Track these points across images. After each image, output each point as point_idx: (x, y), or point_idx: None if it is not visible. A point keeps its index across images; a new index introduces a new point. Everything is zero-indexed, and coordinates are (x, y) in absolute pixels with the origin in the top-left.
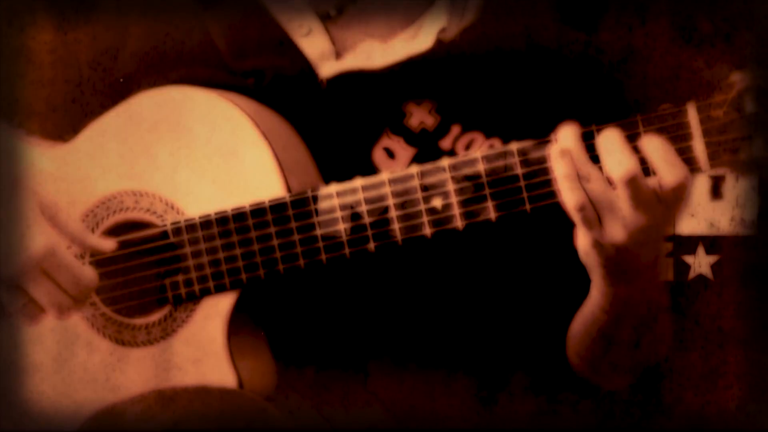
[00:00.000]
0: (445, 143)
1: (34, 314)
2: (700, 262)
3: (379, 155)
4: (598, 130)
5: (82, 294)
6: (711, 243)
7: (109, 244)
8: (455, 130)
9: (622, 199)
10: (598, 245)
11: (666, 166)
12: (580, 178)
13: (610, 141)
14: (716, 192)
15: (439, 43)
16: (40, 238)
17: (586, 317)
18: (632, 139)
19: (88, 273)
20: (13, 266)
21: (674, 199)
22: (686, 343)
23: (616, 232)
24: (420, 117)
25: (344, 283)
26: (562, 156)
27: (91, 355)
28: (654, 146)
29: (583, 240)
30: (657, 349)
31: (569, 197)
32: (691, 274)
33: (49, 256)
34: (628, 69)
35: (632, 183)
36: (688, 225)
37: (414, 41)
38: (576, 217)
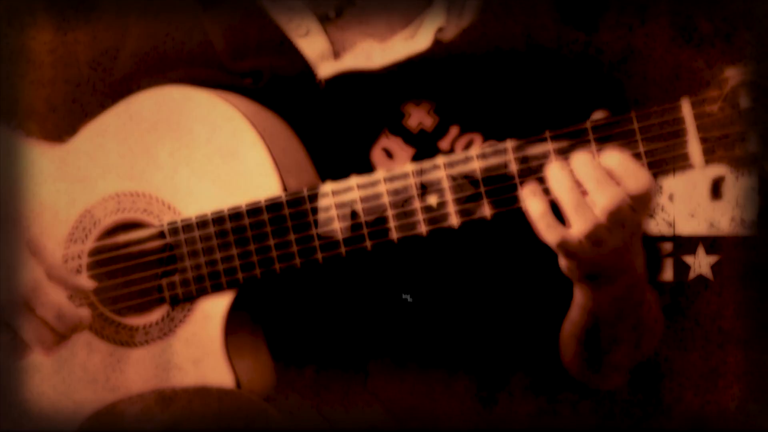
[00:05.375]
0: (444, 144)
1: (19, 349)
2: (700, 263)
3: (377, 155)
4: (593, 128)
5: (70, 330)
6: (711, 243)
7: (89, 283)
8: (454, 130)
9: (605, 228)
10: (579, 262)
11: (630, 177)
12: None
13: (583, 164)
14: (716, 192)
15: (437, 43)
16: (25, 275)
17: (572, 321)
18: (627, 135)
19: (75, 311)
20: None
21: (642, 205)
22: (686, 343)
23: (596, 249)
24: (419, 117)
25: (343, 282)
26: (534, 194)
27: (90, 355)
28: (615, 161)
29: (563, 261)
30: (643, 346)
31: (548, 237)
32: (691, 275)
33: (33, 294)
34: (628, 69)
35: (617, 212)
36: (688, 225)
37: (412, 41)
38: (558, 252)
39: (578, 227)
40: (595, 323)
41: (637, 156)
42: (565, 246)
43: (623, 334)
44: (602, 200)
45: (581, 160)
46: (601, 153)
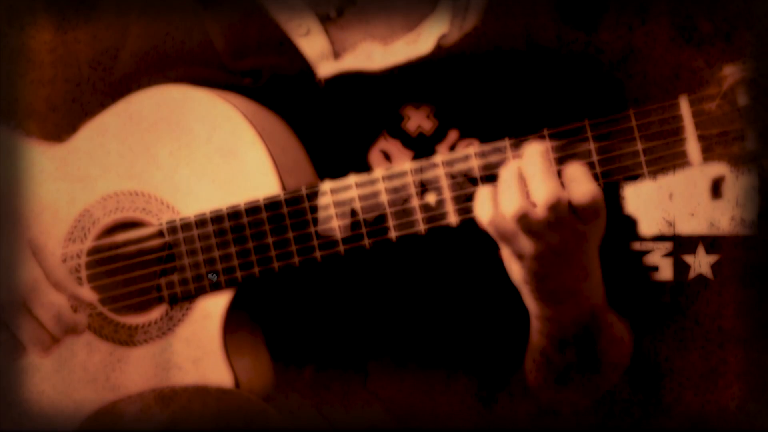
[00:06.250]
0: (443, 148)
1: (16, 350)
2: (700, 262)
3: (375, 157)
4: (591, 125)
5: (65, 333)
6: (711, 243)
7: (90, 295)
8: (453, 135)
9: (540, 221)
10: (525, 268)
11: (575, 184)
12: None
13: (531, 162)
14: (716, 192)
15: (438, 48)
16: (25, 275)
17: (530, 344)
18: (626, 133)
19: (72, 314)
20: None
21: (587, 215)
22: (686, 343)
23: (532, 250)
24: (418, 121)
25: (342, 281)
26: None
27: (90, 354)
28: (570, 168)
29: (509, 263)
30: (604, 374)
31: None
32: (691, 274)
33: (32, 295)
34: (628, 68)
35: (554, 207)
36: (688, 225)
37: (414, 46)
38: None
39: (506, 208)
40: (551, 343)
41: (635, 154)
42: (495, 224)
43: (575, 363)
44: (539, 193)
45: (529, 152)
46: (566, 167)
